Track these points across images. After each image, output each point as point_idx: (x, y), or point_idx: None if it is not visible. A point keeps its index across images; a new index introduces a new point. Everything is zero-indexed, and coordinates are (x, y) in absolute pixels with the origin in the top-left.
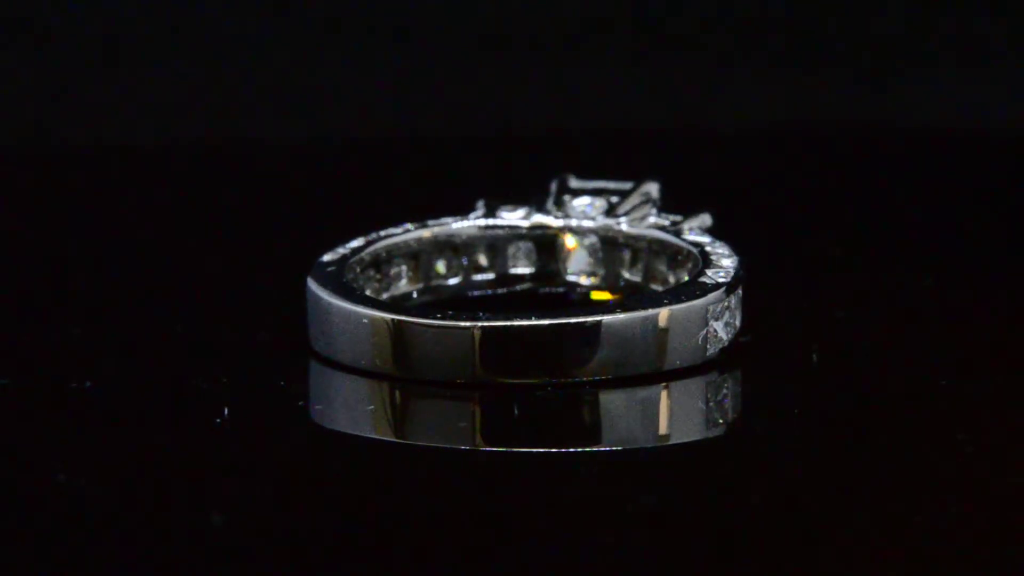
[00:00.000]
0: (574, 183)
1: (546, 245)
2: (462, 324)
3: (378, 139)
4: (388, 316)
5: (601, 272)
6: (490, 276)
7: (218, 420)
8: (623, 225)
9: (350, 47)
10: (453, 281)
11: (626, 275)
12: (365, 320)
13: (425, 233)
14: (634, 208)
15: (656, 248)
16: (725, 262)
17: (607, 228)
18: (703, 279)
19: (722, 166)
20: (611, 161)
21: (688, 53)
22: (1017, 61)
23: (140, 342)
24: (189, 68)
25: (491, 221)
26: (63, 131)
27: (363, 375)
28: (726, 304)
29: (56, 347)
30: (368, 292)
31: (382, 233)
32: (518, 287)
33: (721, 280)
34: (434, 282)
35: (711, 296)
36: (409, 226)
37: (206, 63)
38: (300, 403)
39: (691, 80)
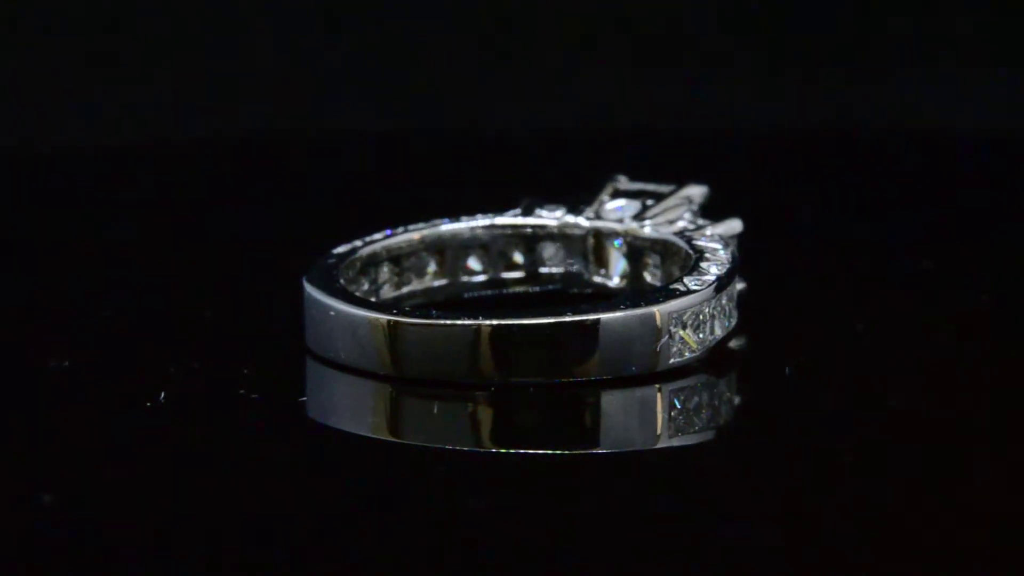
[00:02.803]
0: (623, 184)
1: (572, 245)
2: (463, 323)
3: (448, 132)
4: (374, 316)
5: (629, 274)
6: (516, 275)
7: (148, 404)
8: (646, 228)
9: (416, 41)
10: (481, 278)
11: (648, 278)
12: (333, 313)
13: (415, 236)
14: (666, 211)
15: (659, 250)
16: (713, 269)
17: (631, 231)
18: (675, 286)
19: (728, 169)
20: (679, 163)
21: (699, 56)
22: (1017, 61)
23: (136, 333)
24: (217, 62)
25: (492, 220)
26: (62, 131)
27: (350, 374)
28: (695, 312)
29: (51, 337)
30: (387, 288)
31: (410, 227)
32: (523, 288)
33: (694, 288)
34: (463, 278)
35: (673, 303)
36: (436, 222)
37: (240, 56)
38: (241, 392)
39: (705, 81)
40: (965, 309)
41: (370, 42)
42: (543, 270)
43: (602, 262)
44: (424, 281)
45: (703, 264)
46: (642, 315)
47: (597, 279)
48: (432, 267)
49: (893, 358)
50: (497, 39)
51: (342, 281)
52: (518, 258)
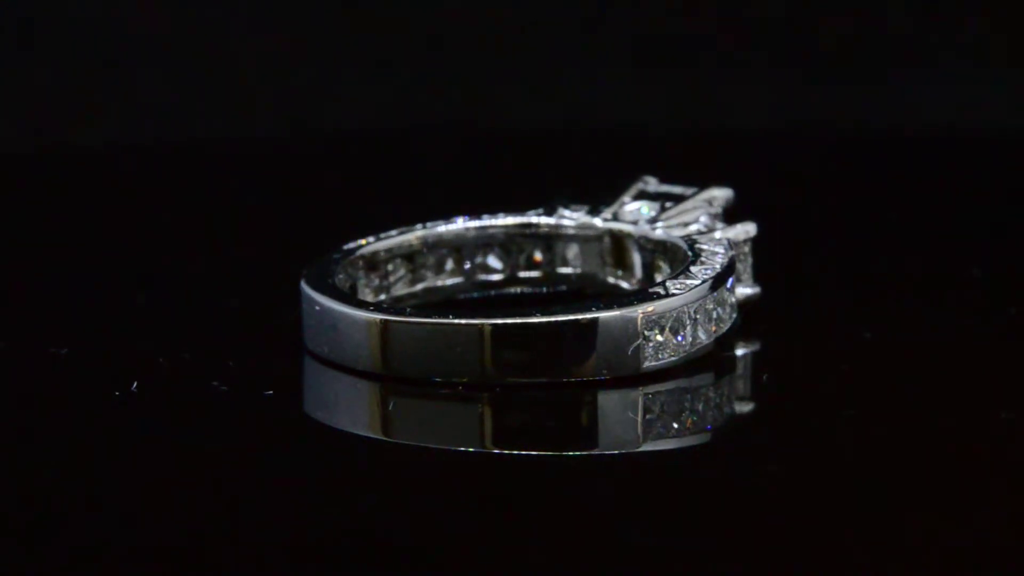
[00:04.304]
0: (652, 186)
1: (589, 246)
2: (471, 322)
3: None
4: (357, 313)
5: (644, 276)
6: (536, 274)
7: (117, 393)
8: (658, 231)
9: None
10: (497, 277)
11: (659, 280)
12: (317, 308)
13: (412, 237)
14: (682, 213)
15: (666, 253)
16: (700, 273)
17: (642, 233)
18: (655, 289)
19: (757, 171)
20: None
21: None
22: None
23: (139, 327)
24: (224, 63)
25: (509, 220)
26: (64, 131)
27: (336, 370)
28: (673, 316)
29: (54, 326)
30: (400, 285)
31: (427, 224)
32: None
33: (675, 292)
34: (480, 276)
35: (647, 306)
36: (459, 219)
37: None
38: (213, 383)
39: (709, 83)
40: (975, 315)
41: (393, 39)
42: (561, 270)
43: (620, 263)
44: (440, 278)
45: (693, 268)
46: (613, 318)
47: (613, 280)
48: (450, 265)
49: (889, 368)
50: (534, 36)
51: (341, 277)
52: (537, 258)
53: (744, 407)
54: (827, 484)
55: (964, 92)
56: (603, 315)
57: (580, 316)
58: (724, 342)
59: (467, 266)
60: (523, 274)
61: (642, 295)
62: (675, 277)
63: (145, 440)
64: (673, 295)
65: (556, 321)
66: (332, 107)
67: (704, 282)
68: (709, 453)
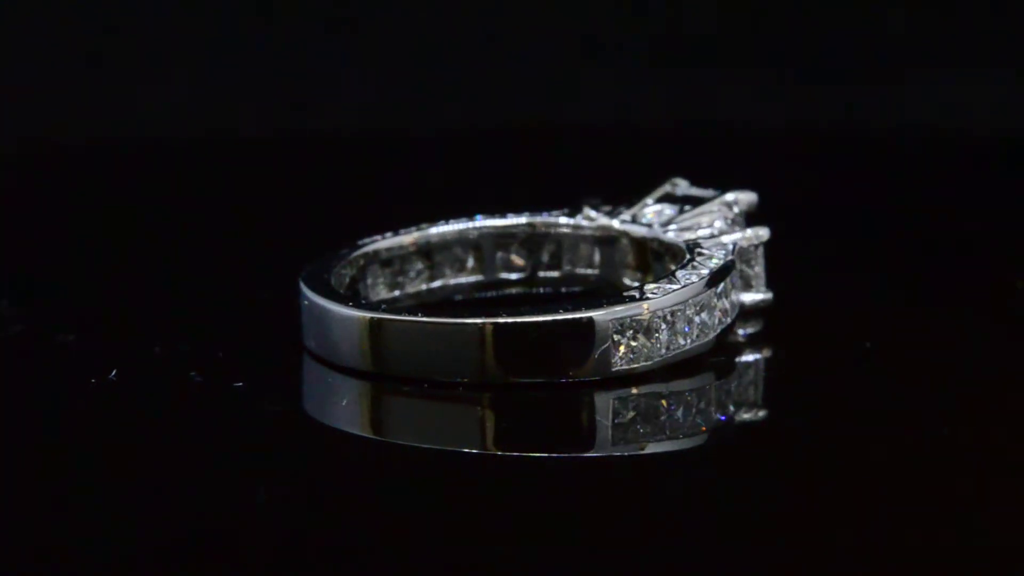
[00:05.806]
0: (681, 188)
1: (605, 247)
2: (472, 321)
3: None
4: (367, 315)
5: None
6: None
7: (92, 382)
8: (669, 234)
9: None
10: (515, 277)
11: None
12: (307, 303)
13: (407, 239)
14: (696, 216)
15: (671, 256)
16: (684, 278)
17: (655, 236)
18: (630, 292)
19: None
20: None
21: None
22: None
23: (146, 321)
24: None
25: (526, 219)
26: (63, 130)
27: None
28: (644, 320)
29: (58, 318)
30: (417, 282)
31: (450, 221)
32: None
33: (650, 296)
34: (499, 276)
35: (617, 310)
36: (479, 217)
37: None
38: (191, 374)
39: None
40: (976, 318)
41: (396, 40)
42: (581, 272)
43: (640, 266)
44: (460, 276)
45: (680, 272)
46: (579, 320)
47: (630, 282)
48: (471, 263)
49: (886, 374)
50: (552, 37)
51: (343, 273)
52: (555, 257)
53: (726, 413)
54: (815, 487)
55: (965, 92)
56: (570, 317)
57: (547, 318)
58: (722, 346)
59: (486, 265)
60: (543, 274)
61: (615, 298)
62: (657, 280)
63: (105, 428)
64: (647, 299)
65: (522, 323)
66: (365, 108)
67: (685, 287)
68: (680, 458)
